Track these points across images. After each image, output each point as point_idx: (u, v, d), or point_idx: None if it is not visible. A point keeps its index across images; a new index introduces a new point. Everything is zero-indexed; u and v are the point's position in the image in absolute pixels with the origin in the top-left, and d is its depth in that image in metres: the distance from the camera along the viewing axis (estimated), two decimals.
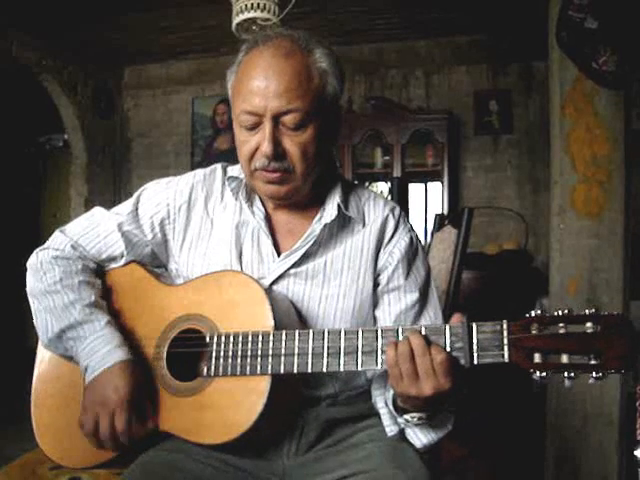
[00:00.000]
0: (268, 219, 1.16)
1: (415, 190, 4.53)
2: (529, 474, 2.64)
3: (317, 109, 1.05)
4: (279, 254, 1.13)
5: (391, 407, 1.05)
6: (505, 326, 0.90)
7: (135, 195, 1.23)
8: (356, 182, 4.31)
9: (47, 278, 1.14)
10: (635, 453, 1.50)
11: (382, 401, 1.08)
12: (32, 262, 1.18)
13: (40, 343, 1.23)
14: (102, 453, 1.10)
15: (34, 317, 1.15)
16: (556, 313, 0.88)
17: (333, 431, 1.12)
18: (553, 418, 2.47)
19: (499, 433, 2.86)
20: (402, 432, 1.06)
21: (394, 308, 1.14)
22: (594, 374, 0.85)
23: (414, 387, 0.92)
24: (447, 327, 0.93)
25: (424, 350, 0.91)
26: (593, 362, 0.85)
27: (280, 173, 1.07)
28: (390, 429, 1.06)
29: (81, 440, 1.09)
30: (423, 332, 0.93)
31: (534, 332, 0.88)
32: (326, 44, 1.10)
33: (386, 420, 1.07)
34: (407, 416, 1.00)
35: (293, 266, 1.12)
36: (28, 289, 1.17)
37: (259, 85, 1.03)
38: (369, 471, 1.01)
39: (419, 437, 1.05)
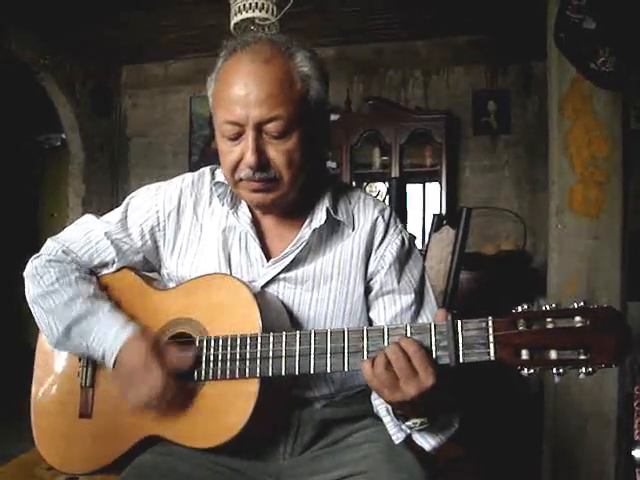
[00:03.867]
0: (256, 224, 1.15)
1: (413, 190, 4.52)
2: (527, 475, 2.64)
3: (301, 115, 1.03)
4: (268, 259, 1.13)
5: (392, 415, 1.04)
6: (490, 323, 0.88)
7: (124, 203, 1.22)
8: (354, 183, 4.32)
9: (44, 280, 1.14)
10: (633, 453, 1.50)
11: (384, 410, 1.07)
12: (28, 270, 1.18)
13: (39, 346, 1.24)
14: (100, 460, 1.10)
15: (38, 323, 1.15)
16: (544, 308, 0.86)
17: (329, 432, 1.12)
18: (551, 418, 2.47)
19: (496, 433, 2.86)
20: (408, 437, 1.05)
21: (389, 311, 1.13)
22: (584, 369, 0.83)
23: (398, 393, 0.91)
24: (432, 325, 0.92)
25: (400, 359, 0.90)
26: (583, 357, 0.83)
27: (266, 182, 1.05)
28: (396, 437, 1.05)
29: (79, 447, 1.09)
30: (408, 331, 0.93)
31: (521, 328, 0.86)
32: (308, 47, 1.07)
33: (391, 428, 1.06)
34: (409, 422, 1.00)
35: (283, 271, 1.11)
36: (28, 297, 1.16)
37: (239, 93, 1.00)
38: (365, 472, 1.01)
39: (427, 440, 1.04)
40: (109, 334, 1.06)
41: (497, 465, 2.55)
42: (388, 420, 1.06)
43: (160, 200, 1.19)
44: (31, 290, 1.16)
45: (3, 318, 5.03)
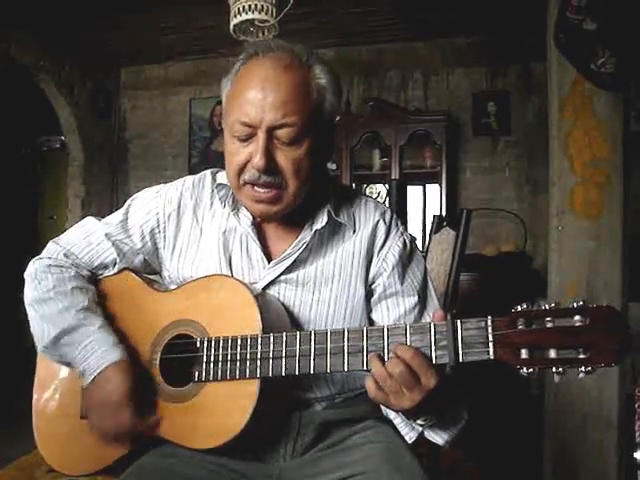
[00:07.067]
0: (257, 225, 1.15)
1: (413, 192, 4.52)
2: (527, 475, 2.64)
3: (313, 125, 1.04)
4: (269, 260, 1.13)
5: (402, 416, 1.05)
6: (490, 322, 0.88)
7: (125, 204, 1.23)
8: (354, 184, 4.32)
9: (41, 286, 1.14)
10: (635, 455, 1.49)
11: (393, 412, 1.08)
12: (28, 272, 1.19)
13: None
14: (101, 461, 1.10)
15: (31, 326, 1.15)
16: (543, 307, 0.86)
17: (330, 433, 1.12)
18: (551, 419, 2.47)
19: (497, 435, 2.85)
20: (421, 435, 1.06)
21: (393, 313, 1.14)
22: (583, 368, 0.83)
23: (405, 401, 0.91)
24: (432, 325, 0.92)
25: (398, 366, 0.90)
26: (582, 356, 0.83)
27: (273, 192, 1.05)
28: (409, 436, 1.07)
29: (80, 448, 1.09)
30: (408, 331, 0.93)
31: (520, 327, 0.86)
32: (326, 61, 1.09)
33: (402, 429, 1.08)
34: (420, 421, 1.01)
35: (284, 272, 1.12)
36: (25, 299, 1.17)
37: (256, 96, 1.01)
38: (366, 473, 1.00)
39: (440, 435, 1.05)
40: (94, 353, 1.06)
41: (498, 466, 2.55)
42: (399, 421, 1.08)
43: (160, 202, 1.20)
44: (29, 293, 1.16)
45: (2, 321, 5.02)
